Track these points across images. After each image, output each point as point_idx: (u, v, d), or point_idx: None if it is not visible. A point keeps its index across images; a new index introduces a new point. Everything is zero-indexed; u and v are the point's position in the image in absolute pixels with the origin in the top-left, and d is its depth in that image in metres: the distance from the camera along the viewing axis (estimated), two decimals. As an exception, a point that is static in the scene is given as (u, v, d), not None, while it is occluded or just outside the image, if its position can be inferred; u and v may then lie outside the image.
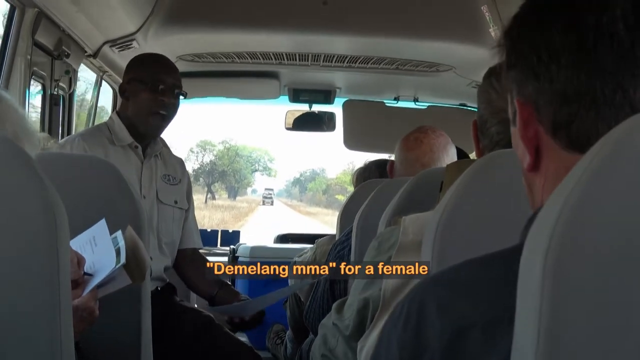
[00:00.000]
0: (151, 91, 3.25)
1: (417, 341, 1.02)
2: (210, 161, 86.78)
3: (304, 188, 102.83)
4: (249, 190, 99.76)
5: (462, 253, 1.15)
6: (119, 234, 2.10)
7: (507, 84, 1.11)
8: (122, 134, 3.29)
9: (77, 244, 2.05)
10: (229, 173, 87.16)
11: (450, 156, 3.02)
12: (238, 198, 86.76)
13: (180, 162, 3.59)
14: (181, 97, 3.36)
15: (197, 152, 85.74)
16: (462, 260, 1.09)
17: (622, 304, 0.77)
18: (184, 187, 3.51)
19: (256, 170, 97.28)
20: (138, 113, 3.29)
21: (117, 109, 3.43)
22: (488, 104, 1.85)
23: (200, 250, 3.63)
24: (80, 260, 1.97)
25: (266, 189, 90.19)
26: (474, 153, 1.99)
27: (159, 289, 3.36)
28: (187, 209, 3.51)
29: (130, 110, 3.31)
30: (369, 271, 2.00)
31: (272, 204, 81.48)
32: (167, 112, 3.29)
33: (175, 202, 3.44)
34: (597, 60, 0.99)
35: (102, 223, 2.13)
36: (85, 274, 2.00)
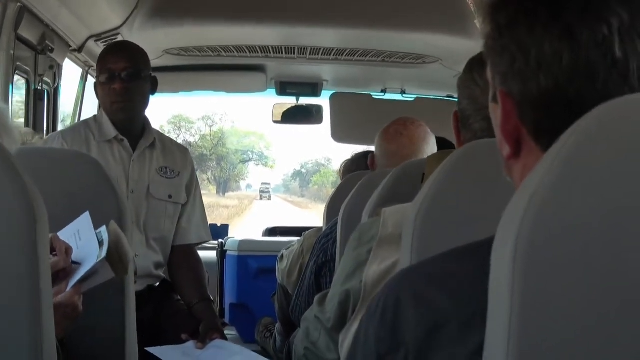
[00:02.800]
0: (105, 83, 3.21)
1: (393, 335, 1.02)
2: (185, 141, 60.43)
3: (306, 182, 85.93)
4: (242, 184, 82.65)
5: (442, 245, 1.15)
6: (103, 228, 2.10)
7: (491, 69, 1.11)
8: (107, 128, 3.26)
9: (64, 236, 2.05)
10: (210, 159, 66.46)
11: (430, 147, 3.02)
12: (228, 194, 70.39)
13: (183, 153, 3.52)
14: (141, 73, 3.25)
15: (170, 131, 58.28)
16: (440, 250, 1.09)
17: (592, 291, 0.77)
18: (182, 180, 3.43)
19: (249, 160, 77.34)
20: (105, 108, 3.28)
21: None
22: (471, 99, 1.84)
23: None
24: (67, 249, 1.97)
25: (263, 184, 78.24)
26: None
27: (152, 286, 3.33)
28: (186, 203, 3.44)
29: (102, 107, 3.30)
30: (350, 263, 2.00)
31: (269, 198, 74.59)
32: (123, 98, 3.21)
33: (170, 197, 3.36)
34: (589, 73, 0.98)
35: (86, 216, 2.13)
36: (73, 262, 2.00)
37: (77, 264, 2.02)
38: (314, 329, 2.17)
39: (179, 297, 3.39)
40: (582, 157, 0.79)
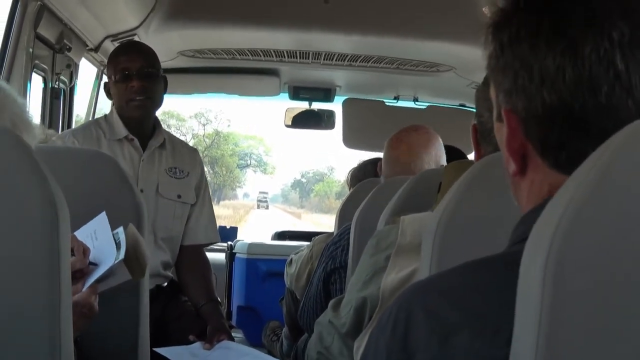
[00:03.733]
0: (120, 82, 3.23)
1: (405, 347, 1.02)
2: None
3: (307, 192, 79.60)
4: (240, 192, 75.74)
5: (461, 255, 1.15)
6: (120, 229, 2.11)
7: (494, 87, 1.11)
8: (117, 127, 3.28)
9: (80, 236, 2.06)
10: (203, 162, 50.54)
11: (431, 154, 3.01)
12: (223, 202, 63.44)
13: (192, 154, 3.54)
14: (155, 73, 3.29)
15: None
16: (461, 261, 1.09)
17: (620, 310, 0.78)
18: (191, 181, 3.44)
19: (246, 166, 69.46)
20: (120, 108, 3.28)
21: None
22: (492, 112, 1.84)
23: None
24: (85, 250, 1.98)
25: (261, 192, 73.84)
26: (472, 154, 1.99)
27: (161, 286, 3.34)
28: (195, 204, 3.44)
29: (116, 106, 3.31)
30: (367, 269, 2.01)
31: (267, 207, 70.74)
32: (141, 97, 3.24)
33: (179, 197, 3.37)
34: (592, 86, 0.99)
35: (103, 216, 2.14)
36: (90, 263, 2.01)
37: (94, 264, 2.03)
38: (327, 333, 2.18)
39: (187, 298, 3.40)
40: (615, 173, 0.80)
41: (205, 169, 3.42)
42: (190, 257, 3.43)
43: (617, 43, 0.99)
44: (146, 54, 3.31)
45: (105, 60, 4.13)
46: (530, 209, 1.05)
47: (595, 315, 0.78)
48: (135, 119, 3.28)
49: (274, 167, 71.36)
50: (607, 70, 0.99)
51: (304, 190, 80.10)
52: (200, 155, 3.59)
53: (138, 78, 3.21)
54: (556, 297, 0.79)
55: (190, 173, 3.43)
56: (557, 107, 1.01)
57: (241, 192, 76.24)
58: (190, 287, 3.40)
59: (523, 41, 1.04)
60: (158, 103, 3.36)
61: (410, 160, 2.99)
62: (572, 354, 0.79)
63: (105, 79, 4.33)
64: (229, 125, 60.43)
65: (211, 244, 3.62)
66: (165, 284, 3.37)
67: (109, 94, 3.34)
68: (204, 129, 59.65)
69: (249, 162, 69.03)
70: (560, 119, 1.01)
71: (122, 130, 3.27)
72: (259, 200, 71.61)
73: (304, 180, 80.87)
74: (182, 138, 3.44)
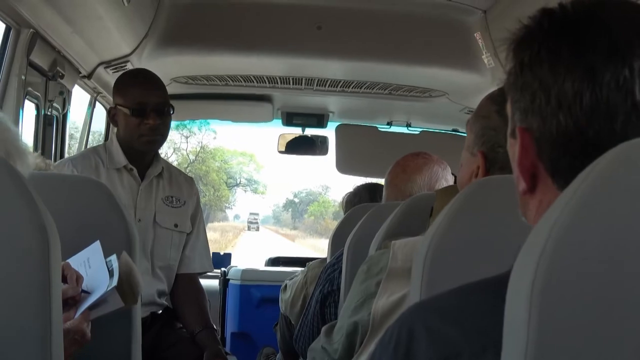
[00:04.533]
0: (135, 116, 3.22)
1: None
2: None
3: (300, 213, 74.77)
4: (230, 214, 71.10)
5: (452, 279, 1.16)
6: (113, 257, 2.11)
7: (511, 104, 1.12)
8: (117, 156, 3.28)
9: (74, 264, 2.06)
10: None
11: (425, 178, 3.01)
12: (211, 224, 56.84)
13: (189, 182, 3.55)
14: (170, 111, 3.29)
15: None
16: (451, 286, 1.10)
17: (608, 332, 0.78)
18: (188, 210, 3.45)
19: (236, 185, 63.70)
20: (127, 138, 3.28)
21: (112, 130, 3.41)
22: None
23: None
24: (79, 278, 1.98)
25: (251, 214, 70.19)
26: None
27: (156, 314, 3.33)
28: (190, 232, 3.46)
29: (120, 134, 3.30)
30: (358, 295, 2.01)
31: (257, 229, 68.10)
32: (154, 136, 3.25)
33: (176, 226, 3.38)
34: (608, 114, 0.99)
35: (97, 245, 2.14)
36: (83, 291, 2.01)
37: (87, 292, 2.03)
38: (320, 359, 2.17)
39: (181, 325, 3.40)
40: (601, 194, 0.80)
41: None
42: (185, 285, 3.44)
43: (638, 73, 1.00)
44: (162, 89, 3.33)
45: (99, 87, 4.16)
46: None
47: (581, 337, 0.79)
48: (140, 152, 3.28)
49: (265, 186, 66.80)
50: (625, 99, 0.99)
51: (296, 211, 76.64)
52: (182, 170, 3.58)
53: (155, 114, 3.22)
54: (542, 320, 0.79)
55: (187, 202, 3.44)
56: (572, 132, 1.01)
57: (231, 214, 73.22)
58: (186, 314, 3.41)
59: (544, 62, 1.05)
60: (167, 138, 3.37)
61: (402, 184, 3.00)
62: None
63: (98, 104, 4.39)
64: (214, 138, 53.69)
65: (206, 272, 3.63)
66: (160, 311, 3.37)
67: (114, 121, 3.33)
68: (187, 141, 52.46)
69: (238, 180, 64.38)
70: (573, 144, 1.01)
71: (122, 160, 3.28)
72: (250, 222, 69.49)
73: (296, 200, 77.44)
74: (160, 151, 3.41)
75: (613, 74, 0.99)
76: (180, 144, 51.16)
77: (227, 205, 65.23)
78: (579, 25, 1.04)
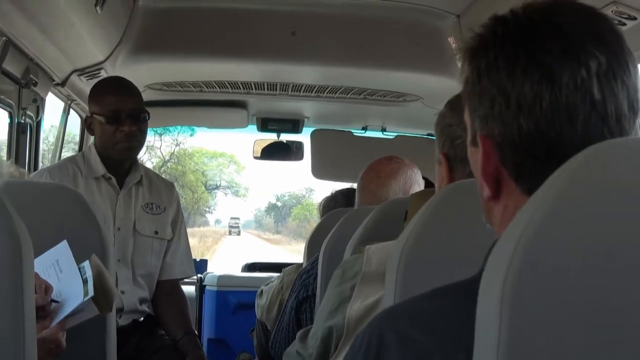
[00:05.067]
0: (111, 123, 3.20)
1: None
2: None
3: (283, 217, 72.09)
4: (211, 219, 68.62)
5: (426, 282, 1.16)
6: (86, 264, 2.10)
7: (469, 112, 1.12)
8: (95, 165, 3.27)
9: (40, 265, 2.04)
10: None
11: (399, 183, 3.02)
12: (191, 230, 51.98)
13: (168, 188, 3.54)
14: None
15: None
16: (425, 290, 1.10)
17: (580, 332, 0.79)
18: (168, 216, 3.44)
19: (216, 188, 60.38)
20: (104, 147, 3.26)
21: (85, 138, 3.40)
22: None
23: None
24: (47, 288, 1.96)
25: (232, 218, 68.79)
26: None
27: (137, 321, 3.32)
28: (171, 239, 3.45)
29: (97, 143, 3.29)
30: (333, 299, 2.01)
31: (238, 233, 66.64)
32: (131, 143, 3.24)
33: (156, 233, 3.37)
34: (569, 115, 1.00)
35: (65, 245, 2.13)
36: (52, 300, 1.99)
37: (56, 302, 2.02)
38: None
39: (163, 332, 3.39)
40: (569, 198, 0.81)
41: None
42: (166, 291, 3.44)
43: (595, 72, 1.01)
44: (137, 96, 3.32)
45: (73, 95, 4.14)
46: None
47: (552, 338, 0.79)
48: (118, 160, 3.27)
49: (246, 189, 63.93)
50: (584, 99, 1.00)
51: (279, 215, 74.67)
52: (156, 171, 3.57)
53: (130, 121, 3.20)
54: (514, 322, 0.80)
55: (167, 208, 3.44)
56: (534, 135, 1.02)
57: (212, 218, 71.25)
58: (167, 321, 3.41)
59: (501, 68, 1.05)
60: (144, 145, 3.35)
61: (377, 189, 3.00)
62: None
63: (72, 112, 4.36)
64: (191, 135, 47.00)
65: (187, 277, 3.62)
66: (142, 318, 3.36)
67: (90, 130, 3.31)
68: (161, 140, 47.74)
69: (218, 183, 61.53)
70: (536, 146, 1.02)
71: (100, 169, 3.26)
72: (231, 227, 68.41)
73: (279, 204, 75.46)
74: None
75: (571, 74, 1.00)
76: (153, 142, 46.99)
77: (207, 209, 63.51)
78: (533, 30, 1.05)
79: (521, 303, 0.80)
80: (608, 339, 0.79)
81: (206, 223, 68.58)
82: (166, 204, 3.44)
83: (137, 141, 3.27)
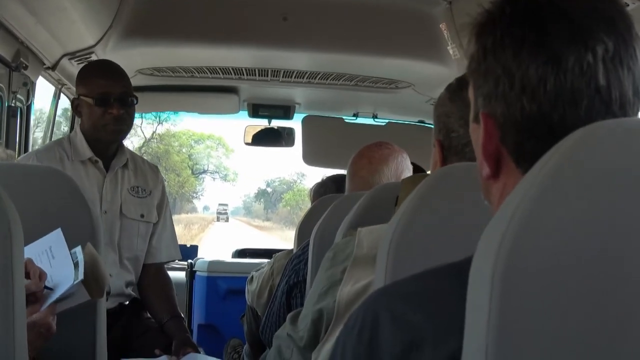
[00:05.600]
0: (99, 106, 3.21)
1: (370, 351, 1.03)
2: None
3: (273, 203, 69.15)
4: (198, 205, 66.25)
5: (416, 266, 1.16)
6: (78, 249, 2.09)
7: (474, 90, 1.12)
8: (82, 148, 3.26)
9: (33, 252, 2.04)
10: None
11: (391, 169, 3.02)
12: (178, 216, 50.68)
13: (154, 172, 3.55)
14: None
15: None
16: (415, 272, 1.10)
17: (569, 311, 0.79)
18: (154, 200, 3.46)
19: (204, 172, 56.99)
20: (91, 129, 3.27)
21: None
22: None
23: None
24: (41, 275, 1.96)
25: (220, 204, 66.21)
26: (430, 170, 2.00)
27: (124, 304, 3.33)
28: (157, 222, 3.46)
29: (84, 125, 3.28)
30: (324, 282, 2.01)
31: (227, 220, 64.90)
32: (119, 126, 3.24)
33: (142, 216, 3.39)
34: (572, 99, 1.00)
35: (58, 233, 2.12)
36: (45, 287, 1.99)
37: (50, 289, 2.01)
38: (286, 347, 2.17)
39: (149, 315, 3.40)
40: (562, 178, 0.81)
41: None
42: (152, 275, 3.46)
43: (601, 58, 1.00)
44: (126, 79, 3.32)
45: (63, 79, 4.12)
46: None
47: (542, 320, 0.79)
48: (105, 143, 3.26)
49: (235, 174, 60.56)
50: (588, 83, 1.00)
51: (269, 201, 71.92)
52: (139, 153, 3.56)
53: (119, 104, 3.21)
54: (503, 303, 0.80)
55: (153, 192, 3.45)
56: (536, 117, 1.02)
57: (200, 205, 69.03)
58: (153, 304, 3.43)
59: (507, 48, 1.05)
60: (131, 128, 3.35)
61: (369, 175, 3.00)
62: (521, 357, 0.80)
63: (62, 96, 4.35)
64: (175, 113, 42.81)
65: (173, 260, 3.63)
66: (128, 302, 3.37)
67: (77, 112, 3.31)
68: (142, 118, 40.23)
69: (206, 167, 58.01)
70: (538, 128, 1.02)
71: (86, 152, 3.26)
72: (219, 213, 66.67)
73: (269, 189, 72.55)
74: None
75: (577, 58, 1.00)
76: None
77: (194, 194, 60.76)
78: (541, 12, 1.05)
79: (511, 286, 0.80)
80: (601, 318, 0.79)
81: (194, 209, 66.59)
82: (152, 188, 3.46)
83: (126, 124, 3.28)
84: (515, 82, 1.04)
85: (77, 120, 3.52)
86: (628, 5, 2.45)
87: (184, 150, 54.43)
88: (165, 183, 3.57)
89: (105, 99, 3.19)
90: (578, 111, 1.01)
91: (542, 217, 0.80)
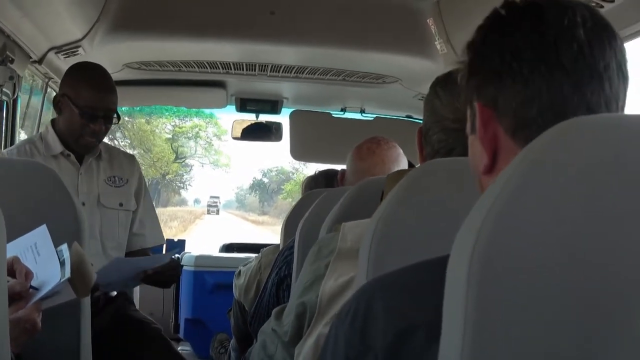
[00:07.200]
0: (82, 116, 3.19)
1: (363, 340, 1.05)
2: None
3: (270, 195, 64.69)
4: (188, 197, 63.50)
5: (398, 261, 1.16)
6: (64, 246, 2.09)
7: (468, 95, 1.14)
8: (54, 144, 3.27)
9: (18, 248, 2.03)
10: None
11: (400, 165, 3.05)
12: (165, 209, 46.85)
13: (129, 160, 3.55)
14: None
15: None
16: (397, 267, 1.11)
17: (547, 304, 0.79)
18: (131, 188, 3.46)
19: (190, 155, 50.12)
20: (67, 132, 3.26)
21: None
22: (432, 112, 1.87)
23: None
24: (28, 274, 1.95)
25: (211, 197, 64.66)
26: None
27: (109, 296, 3.33)
28: (136, 210, 3.47)
29: (61, 124, 3.28)
30: (308, 276, 2.01)
31: (217, 212, 62.84)
32: (94, 138, 3.25)
33: (121, 205, 3.40)
34: (557, 59, 1.03)
35: (43, 229, 2.11)
36: (31, 287, 1.98)
37: (35, 289, 2.00)
38: (270, 342, 2.17)
39: (135, 307, 3.40)
40: (537, 175, 0.81)
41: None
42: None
43: (581, 24, 1.05)
44: (114, 94, 3.30)
45: (50, 73, 4.11)
46: None
47: (517, 315, 0.80)
48: (80, 148, 3.30)
49: (228, 157, 52.17)
50: (571, 45, 1.04)
51: (266, 193, 66.88)
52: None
53: (102, 122, 3.21)
54: (480, 296, 0.80)
55: (130, 180, 3.47)
56: (526, 79, 1.05)
57: (191, 197, 65.67)
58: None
59: (495, 29, 1.11)
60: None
61: (382, 173, 2.99)
62: (498, 353, 0.80)
63: (49, 90, 4.34)
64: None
65: (158, 246, 3.64)
66: (115, 293, 3.37)
67: (57, 109, 3.30)
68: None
69: (194, 150, 50.08)
70: (529, 92, 1.05)
71: (58, 147, 3.27)
72: (209, 205, 64.86)
73: (265, 180, 66.85)
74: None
75: (559, 22, 1.04)
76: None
77: (180, 184, 53.95)
78: (540, 8, 1.07)
79: (488, 277, 0.80)
80: (578, 312, 0.79)
81: (183, 202, 62.97)
82: (128, 176, 3.47)
83: (101, 138, 3.30)
84: (505, 54, 1.07)
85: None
86: (602, 7, 2.46)
87: (163, 126, 47.44)
88: (142, 169, 3.57)
89: (91, 114, 3.18)
90: (563, 72, 1.04)
91: (517, 212, 0.80)
